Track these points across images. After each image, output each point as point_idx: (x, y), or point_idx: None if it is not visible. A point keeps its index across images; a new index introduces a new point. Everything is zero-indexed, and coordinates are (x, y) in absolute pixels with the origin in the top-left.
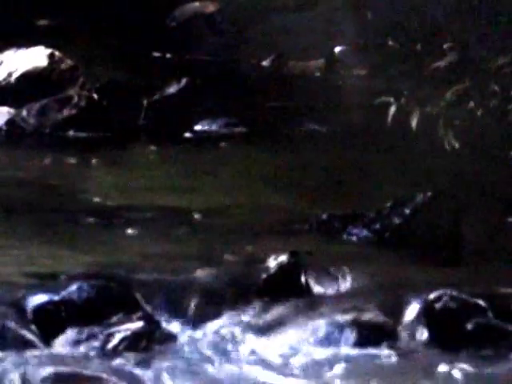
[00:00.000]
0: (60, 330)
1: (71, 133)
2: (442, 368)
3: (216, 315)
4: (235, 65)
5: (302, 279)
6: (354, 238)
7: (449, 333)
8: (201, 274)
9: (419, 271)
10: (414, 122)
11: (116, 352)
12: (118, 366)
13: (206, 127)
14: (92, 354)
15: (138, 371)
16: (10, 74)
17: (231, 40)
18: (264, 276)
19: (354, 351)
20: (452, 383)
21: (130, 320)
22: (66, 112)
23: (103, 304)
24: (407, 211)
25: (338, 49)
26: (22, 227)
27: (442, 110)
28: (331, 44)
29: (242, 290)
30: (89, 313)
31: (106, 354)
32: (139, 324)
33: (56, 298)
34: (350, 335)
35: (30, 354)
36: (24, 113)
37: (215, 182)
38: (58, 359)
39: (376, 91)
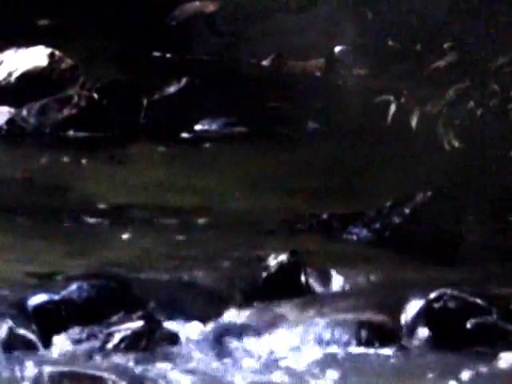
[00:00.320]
0: (60, 330)
1: (71, 132)
2: (442, 367)
3: (216, 315)
4: (235, 65)
5: (302, 279)
6: (354, 238)
7: (449, 332)
8: (201, 273)
9: (419, 271)
10: (413, 122)
11: (116, 351)
12: (119, 365)
13: (206, 127)
14: (92, 353)
15: (138, 370)
16: (10, 74)
17: (231, 40)
18: (264, 275)
19: (354, 351)
20: (452, 383)
21: (130, 319)
22: (66, 112)
23: (103, 303)
24: (407, 211)
25: (337, 48)
26: (22, 227)
27: (442, 110)
28: (331, 44)
29: (241, 290)
30: (89, 312)
31: (106, 354)
32: (139, 323)
33: (56, 297)
34: (350, 335)
35: (29, 353)
36: (24, 112)
37: (215, 182)
38: (58, 359)
39: (376, 91)
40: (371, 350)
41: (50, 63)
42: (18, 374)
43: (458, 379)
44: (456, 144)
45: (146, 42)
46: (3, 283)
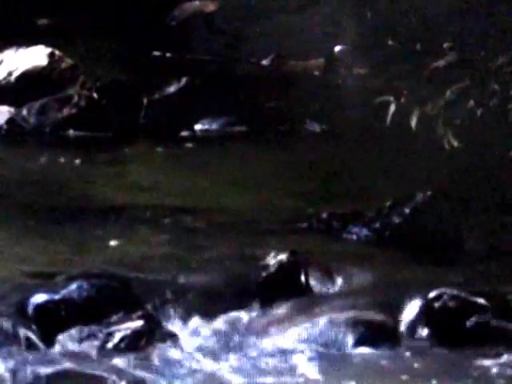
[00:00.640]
0: (60, 329)
1: (71, 132)
2: (442, 367)
3: (216, 314)
4: (235, 65)
5: (302, 278)
6: (354, 237)
7: (448, 332)
8: (201, 273)
9: (419, 270)
10: (413, 122)
11: (116, 351)
12: (118, 364)
13: (206, 126)
14: (92, 352)
15: (138, 370)
16: (10, 73)
17: (231, 40)
18: (264, 275)
19: (354, 351)
20: (452, 382)
21: (130, 319)
22: (66, 111)
23: (103, 303)
24: (407, 211)
25: (337, 48)
26: (22, 226)
27: (441, 110)
28: (331, 43)
29: (241, 290)
30: (89, 312)
31: (106, 353)
32: (139, 323)
33: (56, 297)
34: (350, 334)
35: (29, 353)
36: (24, 112)
37: (215, 182)
38: (58, 358)
39: (376, 91)
40: (371, 350)
41: (49, 63)
42: (18, 373)
43: (458, 379)
44: (455, 144)
45: (145, 42)
46: (3, 283)
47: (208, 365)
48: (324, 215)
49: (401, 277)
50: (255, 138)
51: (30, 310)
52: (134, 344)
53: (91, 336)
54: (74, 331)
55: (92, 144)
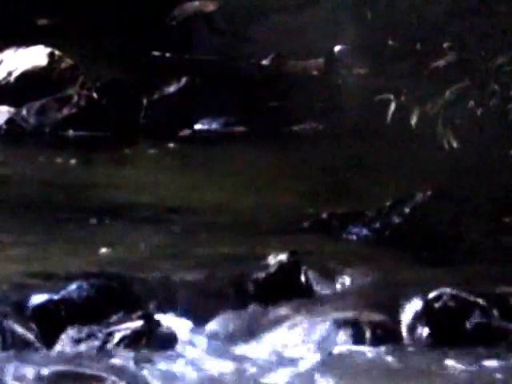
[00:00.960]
0: (60, 329)
1: (71, 132)
2: (442, 367)
3: (216, 314)
4: (235, 65)
5: (302, 278)
6: (354, 237)
7: (449, 331)
8: (201, 273)
9: (419, 271)
10: (413, 121)
11: (116, 351)
12: (118, 364)
13: (206, 126)
14: (92, 352)
15: (137, 370)
16: (9, 73)
17: (231, 39)
18: (264, 275)
19: (354, 350)
20: (452, 382)
21: (130, 319)
22: (65, 111)
23: (103, 303)
24: (407, 210)
25: (337, 48)
26: (22, 226)
27: (441, 109)
28: (331, 43)
29: (241, 290)
30: (89, 312)
31: (105, 353)
32: (139, 323)
33: (56, 297)
34: (350, 335)
35: (29, 353)
36: (24, 112)
37: (215, 181)
38: (58, 358)
39: (376, 90)
40: (371, 350)
41: (49, 63)
42: (18, 373)
43: (457, 378)
44: (455, 144)
45: (145, 42)
46: (3, 283)
47: (208, 365)
48: (324, 215)
49: (401, 277)
50: (255, 137)
51: (30, 310)
52: (133, 344)
53: (91, 336)
54: (74, 331)
55: (92, 144)
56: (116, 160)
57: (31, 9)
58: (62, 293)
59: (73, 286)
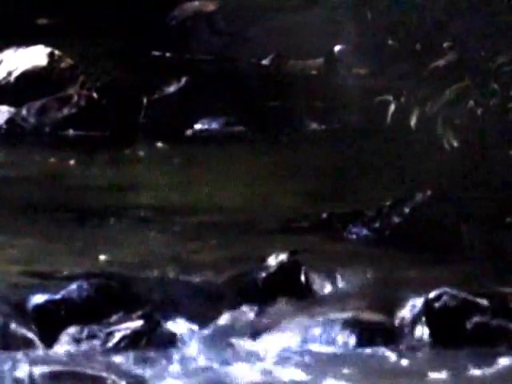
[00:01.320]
0: (60, 329)
1: (71, 132)
2: (442, 367)
3: (216, 314)
4: (235, 65)
5: (302, 278)
6: (354, 237)
7: (449, 331)
8: (201, 273)
9: (419, 271)
10: (413, 122)
11: (116, 351)
12: (118, 364)
13: (206, 126)
14: (92, 352)
15: (137, 370)
16: (9, 73)
17: (231, 40)
18: (264, 275)
19: (354, 351)
20: (452, 382)
21: (130, 319)
22: (65, 111)
23: (103, 303)
24: (407, 210)
25: (337, 48)
26: (22, 226)
27: (441, 109)
28: (331, 43)
29: (241, 290)
30: (89, 312)
31: (106, 353)
32: (139, 323)
33: (56, 297)
34: (350, 334)
35: (29, 353)
36: (24, 112)
37: (215, 181)
38: (58, 358)
39: (376, 90)
40: (371, 350)
41: (49, 63)
42: (18, 373)
43: (458, 378)
44: (455, 144)
45: (145, 42)
46: (3, 283)
47: (208, 365)
48: (324, 215)
49: (401, 277)
50: (255, 137)
51: (30, 310)
52: (134, 344)
53: (91, 336)
54: (73, 331)
55: (92, 144)
56: (116, 160)
57: (31, 9)
58: (62, 293)
59: (73, 286)
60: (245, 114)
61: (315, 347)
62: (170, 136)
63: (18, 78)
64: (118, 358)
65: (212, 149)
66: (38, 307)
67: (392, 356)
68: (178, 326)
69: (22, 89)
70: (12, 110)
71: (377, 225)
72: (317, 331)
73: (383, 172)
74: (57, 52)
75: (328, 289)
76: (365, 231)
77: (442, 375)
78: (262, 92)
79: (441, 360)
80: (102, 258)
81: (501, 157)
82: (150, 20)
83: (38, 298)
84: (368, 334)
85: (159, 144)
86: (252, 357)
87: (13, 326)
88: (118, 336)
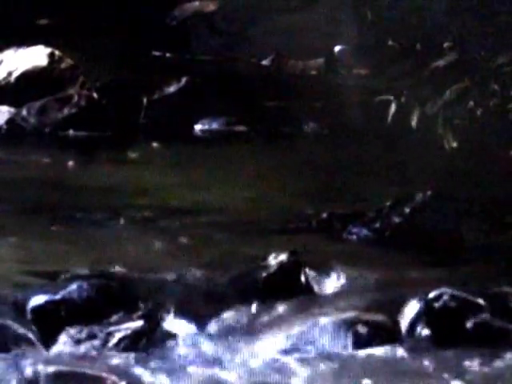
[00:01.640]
0: (60, 330)
1: (71, 132)
2: (442, 367)
3: (216, 315)
4: (235, 65)
5: (302, 279)
6: (354, 237)
7: (448, 332)
8: (201, 273)
9: (419, 271)
10: (413, 122)
11: (116, 351)
12: (118, 364)
13: (206, 126)
14: (92, 353)
15: (137, 370)
16: (9, 73)
17: (231, 40)
18: (264, 275)
19: (354, 351)
20: (452, 382)
21: (130, 319)
22: (66, 111)
23: (103, 303)
24: (407, 211)
25: (337, 48)
26: (22, 226)
27: (441, 109)
28: (331, 43)
29: (241, 290)
30: (89, 312)
31: (106, 354)
32: (139, 323)
33: (56, 297)
34: (350, 334)
35: (29, 353)
36: (24, 112)
37: (215, 181)
38: (58, 359)
39: (376, 91)
40: (371, 350)
41: (49, 63)
42: (18, 374)
43: (457, 379)
44: (455, 144)
45: (145, 42)
46: (3, 283)
47: (208, 365)
48: (324, 215)
49: (401, 277)
50: (255, 137)
51: (30, 310)
52: (134, 344)
53: (91, 336)
54: (73, 331)
55: (92, 144)
56: (116, 160)
57: (31, 9)
58: (62, 293)
59: (73, 287)
60: (245, 114)
61: (315, 347)
62: (170, 136)
63: (18, 78)
64: (118, 359)
65: (212, 149)
66: (38, 307)
67: (392, 356)
68: (178, 326)
69: (22, 89)
70: (12, 110)
71: (377, 225)
72: (317, 331)
73: (383, 172)
74: (57, 52)
75: (328, 289)
76: (365, 231)
77: (442, 375)
78: (262, 92)
79: (441, 360)
80: (113, 243)
81: (501, 157)
82: (150, 20)
83: (38, 298)
84: (368, 334)
85: (159, 144)
86: (252, 357)
87: (13, 326)
88: (118, 336)
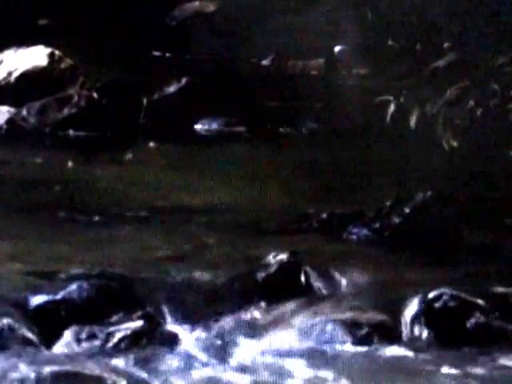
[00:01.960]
0: (60, 330)
1: (71, 132)
2: (442, 367)
3: (216, 315)
4: (235, 65)
5: (302, 279)
6: (354, 237)
7: (448, 332)
8: (201, 273)
9: (419, 271)
10: (413, 122)
11: (116, 351)
12: (118, 364)
13: (206, 126)
14: (92, 353)
15: (137, 370)
16: (10, 74)
17: (231, 40)
18: (264, 275)
19: (354, 351)
20: (452, 382)
21: (130, 319)
22: (66, 111)
23: (103, 303)
24: (407, 211)
25: (337, 48)
26: (22, 226)
27: (441, 110)
28: (331, 44)
29: (241, 290)
30: (89, 312)
31: (106, 353)
32: (139, 323)
33: (56, 297)
34: (350, 334)
35: (29, 353)
36: (24, 112)
37: (215, 182)
38: (58, 359)
39: (375, 91)
40: (371, 350)
41: (49, 63)
42: (18, 373)
43: (457, 379)
44: (455, 144)
45: (145, 42)
46: (3, 283)
47: (208, 365)
48: (324, 215)
49: (401, 277)
50: (255, 138)
51: (30, 310)
52: (133, 344)
53: (91, 336)
54: (73, 331)
55: (92, 144)
56: (116, 160)
57: (31, 9)
58: (62, 293)
59: (73, 286)
60: (245, 114)
61: (315, 347)
62: (170, 136)
63: (18, 78)
64: (118, 359)
65: (212, 149)
66: (38, 307)
67: (392, 356)
68: (178, 326)
69: (22, 89)
70: (12, 110)
71: (377, 225)
72: (317, 331)
73: (383, 172)
74: (57, 52)
75: (328, 289)
76: (365, 231)
77: (442, 375)
78: (262, 92)
79: (441, 360)
80: (113, 243)
81: (501, 157)
82: (150, 20)
83: (38, 298)
84: (368, 334)
85: (159, 144)
86: (252, 357)
87: (13, 326)
88: (118, 336)
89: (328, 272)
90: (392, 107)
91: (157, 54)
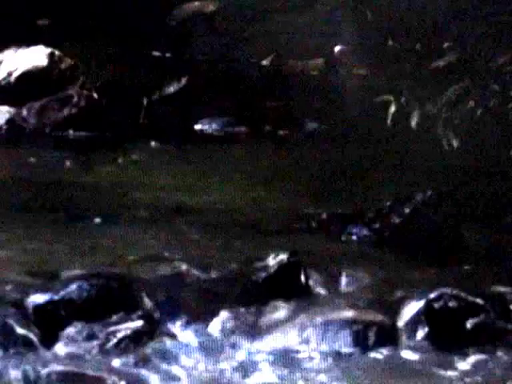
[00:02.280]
0: (60, 330)
1: (71, 132)
2: (442, 367)
3: (216, 315)
4: (235, 65)
5: (302, 279)
6: (354, 238)
7: (449, 332)
8: (201, 273)
9: (419, 271)
10: (413, 122)
11: (116, 351)
12: (118, 364)
13: (206, 126)
14: (92, 353)
15: (137, 370)
16: (9, 74)
17: (231, 40)
18: (264, 276)
19: (354, 351)
20: (452, 383)
21: (130, 319)
22: (66, 111)
23: (103, 303)
24: (407, 211)
25: (337, 48)
26: (22, 226)
27: (441, 110)
28: (331, 44)
29: (241, 290)
30: (89, 312)
31: (105, 353)
32: (139, 323)
33: (56, 297)
34: (350, 335)
35: (29, 353)
36: (24, 112)
37: (215, 182)
38: (58, 359)
39: (376, 91)
40: (371, 350)
41: (49, 63)
42: (18, 374)
43: (458, 379)
44: (455, 144)
45: (145, 42)
46: (3, 283)
47: (208, 365)
48: (324, 215)
49: (401, 277)
50: (255, 138)
51: (30, 310)
52: (133, 344)
53: (91, 336)
54: (73, 331)
55: (92, 144)
56: (116, 160)
57: (31, 9)
58: (62, 293)
59: (73, 286)
60: (245, 114)
61: (315, 347)
62: (169, 136)
63: (18, 78)
64: (118, 359)
65: (212, 149)
66: (38, 307)
67: (392, 356)
68: (178, 325)
69: (22, 89)
70: (12, 110)
71: (376, 225)
72: (317, 331)
73: (383, 172)
74: (57, 52)
75: (328, 289)
76: (365, 231)
77: (442, 375)
78: (262, 92)
79: (441, 360)
80: (113, 243)
81: (501, 157)
82: (150, 20)
83: (38, 298)
84: (368, 335)
85: (159, 144)
86: (252, 357)
87: (13, 326)
88: (118, 336)
89: (328, 272)
90: (392, 107)
91: (157, 54)
